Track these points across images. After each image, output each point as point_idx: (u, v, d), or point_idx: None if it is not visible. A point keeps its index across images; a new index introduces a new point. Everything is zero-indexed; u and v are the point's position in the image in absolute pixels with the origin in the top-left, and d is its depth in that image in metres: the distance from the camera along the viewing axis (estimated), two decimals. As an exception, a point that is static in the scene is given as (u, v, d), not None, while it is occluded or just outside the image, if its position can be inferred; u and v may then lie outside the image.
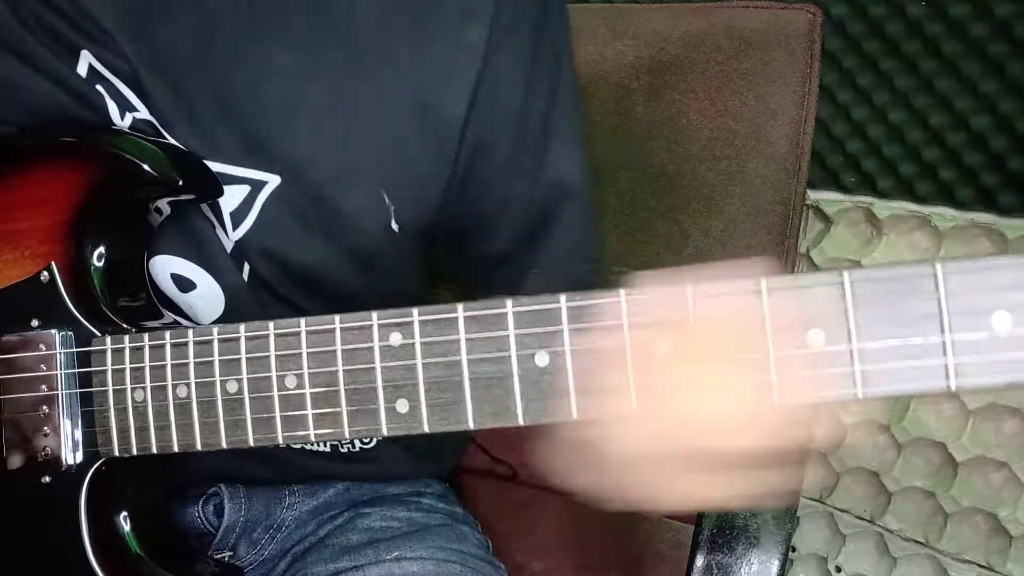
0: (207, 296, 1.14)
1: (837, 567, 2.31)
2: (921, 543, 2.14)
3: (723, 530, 1.09)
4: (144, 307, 1.10)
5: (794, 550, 2.36)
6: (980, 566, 2.06)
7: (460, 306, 0.79)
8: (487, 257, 1.27)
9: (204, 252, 1.13)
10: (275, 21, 1.10)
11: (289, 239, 1.14)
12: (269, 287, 1.16)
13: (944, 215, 2.02)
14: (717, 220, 1.80)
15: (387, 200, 1.14)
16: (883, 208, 2.10)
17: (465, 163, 1.16)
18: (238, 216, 1.11)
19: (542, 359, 0.75)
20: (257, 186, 1.11)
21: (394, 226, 1.15)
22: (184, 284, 1.14)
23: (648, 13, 1.90)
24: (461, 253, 1.29)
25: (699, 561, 1.09)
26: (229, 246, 1.13)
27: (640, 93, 1.87)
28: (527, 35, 1.15)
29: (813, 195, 2.16)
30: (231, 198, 1.11)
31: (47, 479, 1.01)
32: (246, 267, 1.15)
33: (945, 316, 0.64)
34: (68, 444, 0.99)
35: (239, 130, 1.10)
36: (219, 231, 1.13)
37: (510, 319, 0.76)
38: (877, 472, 2.20)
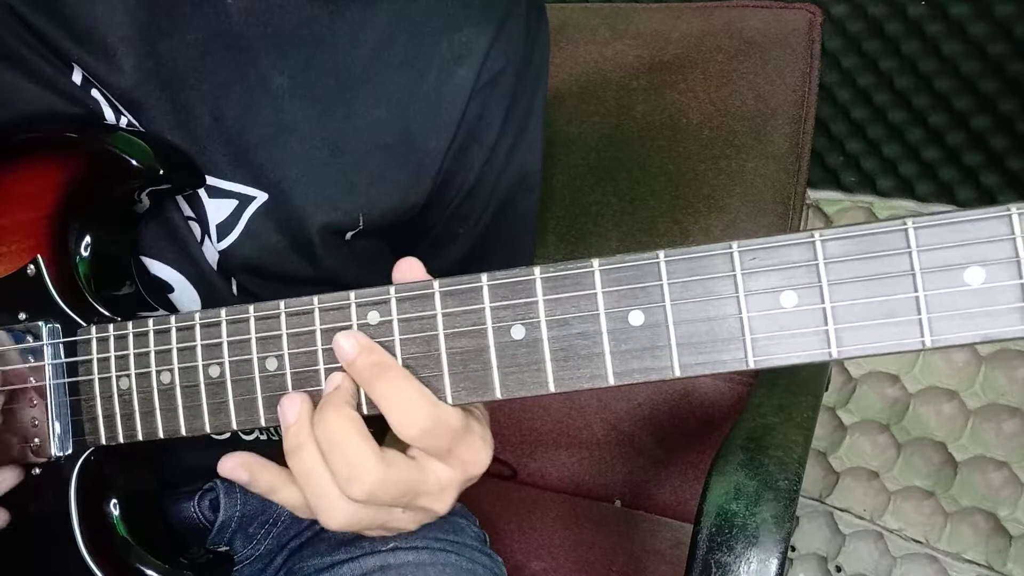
0: (184, 299, 1.16)
1: (837, 567, 2.31)
2: (921, 543, 2.13)
3: (722, 529, 1.09)
4: (134, 299, 1.09)
5: (794, 550, 2.36)
6: (980, 566, 2.05)
7: (436, 282, 0.78)
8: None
9: (182, 258, 1.15)
10: (276, 44, 1.12)
11: (271, 253, 1.17)
12: (251, 292, 1.19)
13: (944, 214, 2.02)
14: (717, 220, 1.80)
15: (361, 222, 1.19)
16: (883, 208, 2.10)
17: (436, 189, 1.25)
18: (224, 229, 1.14)
19: (518, 331, 0.75)
20: (245, 201, 1.13)
21: (349, 236, 1.22)
22: (165, 286, 1.15)
23: (648, 13, 1.91)
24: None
25: (698, 560, 1.08)
26: (214, 256, 1.15)
27: (640, 93, 1.87)
28: (510, 79, 1.24)
29: (813, 195, 2.16)
30: (219, 211, 1.13)
31: (37, 470, 1.01)
32: (232, 281, 1.18)
33: (918, 272, 0.63)
34: (57, 434, 0.99)
35: (231, 145, 1.12)
36: (205, 242, 1.15)
37: (485, 292, 0.76)
38: (877, 472, 2.19)
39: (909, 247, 0.64)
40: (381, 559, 1.18)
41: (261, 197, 1.14)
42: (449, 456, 0.83)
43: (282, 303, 0.85)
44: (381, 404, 0.80)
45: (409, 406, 0.79)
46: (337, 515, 0.82)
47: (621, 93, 1.90)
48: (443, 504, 0.86)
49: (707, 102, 1.82)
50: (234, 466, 0.86)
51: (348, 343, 0.81)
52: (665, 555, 1.70)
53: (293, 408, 0.82)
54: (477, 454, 0.85)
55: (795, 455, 1.22)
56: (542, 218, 1.90)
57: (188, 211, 1.13)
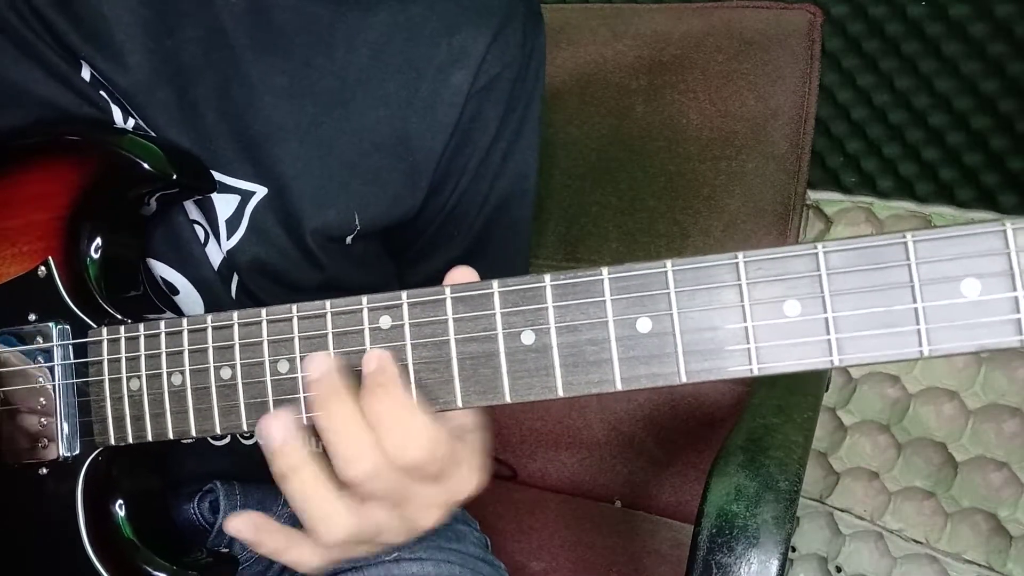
0: (188, 302, 1.17)
1: (837, 567, 2.30)
2: (921, 543, 2.13)
3: (723, 530, 1.09)
4: (142, 301, 1.11)
5: (794, 550, 2.36)
6: (980, 566, 2.05)
7: (448, 288, 0.79)
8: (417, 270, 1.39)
9: (187, 261, 1.16)
10: (278, 43, 1.14)
11: (276, 251, 1.19)
12: (254, 296, 1.20)
13: (944, 215, 2.02)
14: (717, 220, 1.80)
15: (356, 220, 1.20)
16: (883, 208, 2.09)
17: (431, 192, 1.26)
18: (232, 224, 1.16)
19: (528, 337, 0.76)
20: (246, 196, 1.15)
21: (349, 240, 1.24)
22: (170, 288, 1.16)
23: (648, 13, 1.91)
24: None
25: (699, 561, 1.09)
26: (219, 256, 1.17)
27: (640, 93, 1.88)
28: (506, 85, 1.26)
29: (813, 195, 2.16)
30: (225, 206, 1.15)
31: (45, 470, 1.01)
32: (235, 277, 1.18)
33: (916, 284, 0.66)
34: (65, 435, 0.99)
35: (234, 141, 1.14)
36: (211, 241, 1.16)
37: (496, 299, 0.77)
38: (877, 472, 2.19)
39: (909, 259, 0.66)
40: (385, 569, 1.19)
41: (261, 191, 1.15)
42: (436, 481, 0.83)
43: (294, 307, 0.86)
44: (381, 422, 0.79)
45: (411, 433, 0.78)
46: (334, 518, 0.81)
47: (621, 94, 1.90)
48: (429, 519, 0.86)
49: (707, 103, 1.82)
50: (241, 525, 0.85)
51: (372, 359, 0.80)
52: (665, 555, 1.70)
53: (279, 429, 0.81)
54: (462, 482, 0.85)
55: (795, 456, 1.23)
56: (542, 218, 1.90)
57: (194, 214, 1.15)
